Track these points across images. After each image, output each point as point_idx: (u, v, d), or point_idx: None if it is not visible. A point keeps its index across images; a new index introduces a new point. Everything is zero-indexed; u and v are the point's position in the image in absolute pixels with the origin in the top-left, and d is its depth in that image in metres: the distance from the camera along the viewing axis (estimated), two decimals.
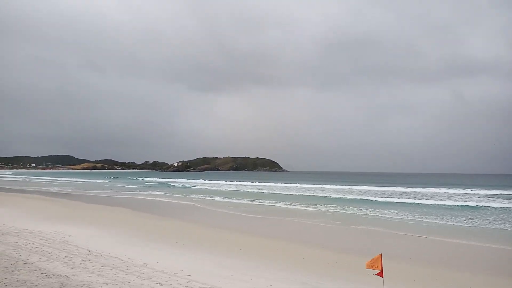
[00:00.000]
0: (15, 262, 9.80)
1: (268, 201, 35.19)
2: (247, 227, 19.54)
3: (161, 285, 8.36)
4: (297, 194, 45.07)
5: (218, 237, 15.78)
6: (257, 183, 72.89)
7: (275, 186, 64.06)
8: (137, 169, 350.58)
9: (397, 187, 59.77)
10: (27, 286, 7.86)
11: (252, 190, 50.02)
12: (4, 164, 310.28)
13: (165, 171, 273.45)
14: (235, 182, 76.33)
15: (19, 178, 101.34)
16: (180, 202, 33.85)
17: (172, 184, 71.94)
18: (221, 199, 36.32)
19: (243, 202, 33.99)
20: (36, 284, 8.03)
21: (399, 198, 38.13)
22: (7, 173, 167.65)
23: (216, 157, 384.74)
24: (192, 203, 32.60)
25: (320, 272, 10.52)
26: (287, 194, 44.42)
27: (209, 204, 32.09)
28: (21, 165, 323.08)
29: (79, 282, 8.26)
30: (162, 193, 45.88)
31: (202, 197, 39.03)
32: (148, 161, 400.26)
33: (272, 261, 11.61)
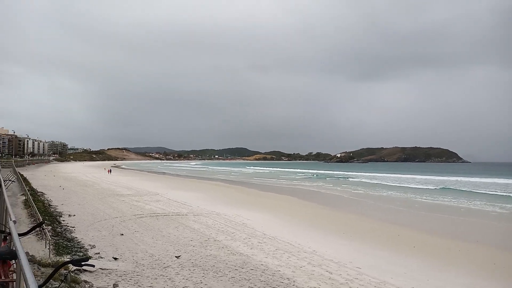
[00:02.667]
0: (207, 239, 11.62)
1: (443, 197, 31.50)
2: (419, 224, 17.91)
3: (331, 273, 8.50)
4: (475, 191, 38.79)
5: (387, 232, 15.00)
6: (428, 176, 65.76)
7: (449, 180, 56.61)
8: (302, 160, 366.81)
9: None
10: (217, 260, 9.21)
11: (421, 187, 45.36)
12: (195, 156, 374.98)
13: (328, 162, 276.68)
14: (402, 175, 70.71)
15: (201, 167, 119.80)
16: (341, 194, 33.63)
17: (334, 175, 72.13)
18: (387, 193, 34.37)
19: (412, 197, 31.34)
20: (223, 259, 9.32)
21: None
22: (191, 163, 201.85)
23: (382, 148, 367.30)
24: (354, 196, 31.98)
25: None
26: (464, 191, 38.74)
27: (372, 197, 30.87)
28: (207, 156, 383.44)
29: (257, 262, 9.19)
30: (325, 184, 46.55)
31: (364, 190, 37.84)
32: (311, 152, 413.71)
33: (453, 263, 10.32)
